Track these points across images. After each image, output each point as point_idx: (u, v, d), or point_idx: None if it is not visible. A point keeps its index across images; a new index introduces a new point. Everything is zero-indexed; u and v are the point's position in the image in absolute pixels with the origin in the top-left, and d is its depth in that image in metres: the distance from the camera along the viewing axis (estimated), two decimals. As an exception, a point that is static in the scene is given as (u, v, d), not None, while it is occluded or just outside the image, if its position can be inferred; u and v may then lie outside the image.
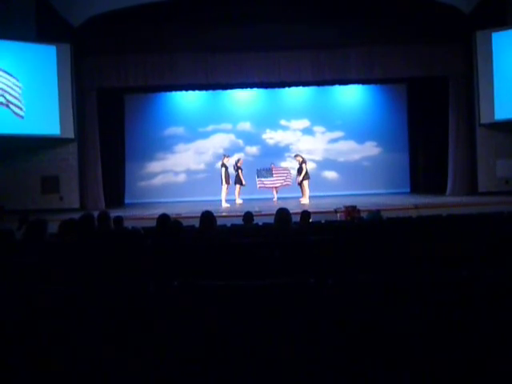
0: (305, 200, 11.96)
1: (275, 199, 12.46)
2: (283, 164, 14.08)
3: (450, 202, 11.21)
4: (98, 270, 2.45)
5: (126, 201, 14.04)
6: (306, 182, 12.20)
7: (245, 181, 12.35)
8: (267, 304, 1.60)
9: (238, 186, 12.33)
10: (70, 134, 12.25)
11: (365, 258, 2.48)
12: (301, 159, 12.33)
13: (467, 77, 12.73)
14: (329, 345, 1.40)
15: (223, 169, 12.11)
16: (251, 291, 1.63)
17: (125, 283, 1.90)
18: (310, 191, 12.25)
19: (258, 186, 12.82)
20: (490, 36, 12.30)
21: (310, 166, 12.87)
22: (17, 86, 11.60)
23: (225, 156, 12.46)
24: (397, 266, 2.32)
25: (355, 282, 1.60)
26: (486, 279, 1.84)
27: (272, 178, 12.75)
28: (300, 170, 12.25)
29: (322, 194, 13.25)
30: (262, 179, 12.77)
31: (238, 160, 12.61)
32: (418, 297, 1.66)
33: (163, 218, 4.53)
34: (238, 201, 12.22)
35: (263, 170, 12.87)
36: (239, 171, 12.35)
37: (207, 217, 4.42)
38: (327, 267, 2.19)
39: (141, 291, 1.69)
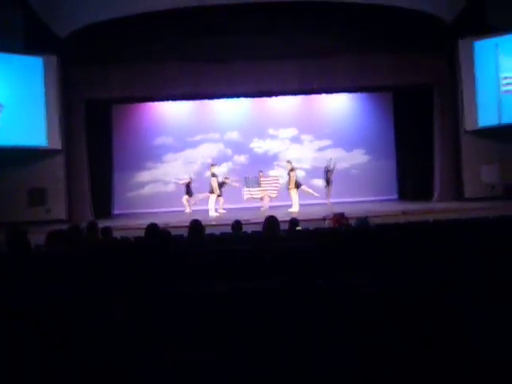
0: (293, 208, 11.99)
1: (263, 208, 12.30)
2: (272, 172, 14.11)
3: (437, 207, 11.34)
4: (87, 278, 2.45)
5: (115, 211, 13.97)
6: (293, 191, 12.24)
7: (225, 191, 12.26)
8: (258, 305, 1.62)
9: (212, 195, 12.07)
10: (58, 146, 12.19)
11: (352, 262, 2.52)
12: (290, 167, 12.39)
13: (451, 84, 12.95)
14: (318, 342, 1.42)
15: (213, 178, 12.11)
16: (242, 294, 1.65)
17: (116, 290, 1.91)
18: (299, 199, 12.29)
19: (245, 196, 12.61)
20: (472, 44, 12.56)
21: (299, 174, 12.94)
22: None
23: (212, 165, 12.47)
24: (383, 268, 2.36)
25: (344, 283, 1.63)
26: (469, 281, 1.88)
27: (259, 188, 12.55)
28: (289, 178, 12.31)
29: (310, 202, 13.29)
30: (250, 189, 12.56)
31: (212, 166, 12.46)
32: (403, 297, 1.70)
33: (152, 228, 4.53)
34: (213, 213, 11.83)
35: (251, 179, 12.66)
36: (214, 179, 12.15)
37: (196, 226, 4.44)
38: (315, 271, 2.22)
39: (134, 297, 1.70)
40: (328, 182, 13.00)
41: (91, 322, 1.78)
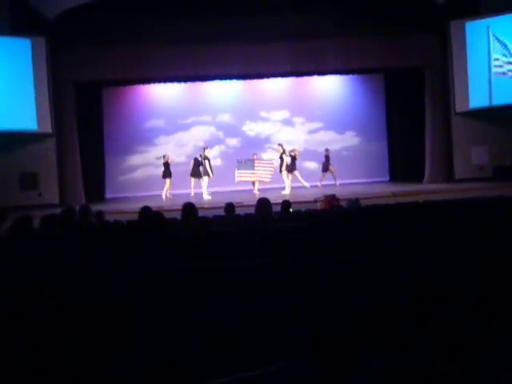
0: (286, 191, 12.06)
1: (255, 191, 12.25)
2: (264, 155, 14.12)
3: (427, 189, 11.47)
4: (84, 261, 2.50)
5: (107, 195, 13.95)
6: (285, 174, 12.30)
7: (214, 173, 12.08)
8: (250, 283, 1.68)
9: (205, 178, 12.01)
10: (48, 129, 12.10)
11: (341, 242, 2.59)
12: (281, 150, 12.44)
13: (442, 66, 12.96)
14: (305, 319, 1.49)
15: (206, 161, 12.10)
16: (234, 272, 1.71)
17: (113, 270, 1.96)
18: (291, 182, 12.36)
19: (236, 179, 12.44)
20: (464, 25, 12.55)
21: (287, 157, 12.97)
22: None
23: (205, 148, 12.44)
24: (371, 246, 2.43)
25: (330, 260, 1.69)
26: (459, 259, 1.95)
27: (252, 171, 12.36)
28: (281, 161, 12.36)
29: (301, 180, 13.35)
30: (242, 171, 12.37)
31: (205, 149, 12.28)
32: (393, 274, 1.77)
33: (145, 211, 4.57)
34: (206, 196, 11.75)
35: (244, 161, 12.48)
36: (207, 162, 12.03)
37: (189, 208, 4.48)
38: (305, 250, 2.29)
39: (131, 277, 1.76)
40: (327, 168, 13.47)
41: (91, 301, 1.83)
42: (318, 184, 13.22)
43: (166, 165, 12.67)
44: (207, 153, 12.27)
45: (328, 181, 13.64)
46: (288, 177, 12.36)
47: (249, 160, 12.52)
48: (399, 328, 1.65)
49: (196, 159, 12.56)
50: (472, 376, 0.84)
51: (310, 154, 14.70)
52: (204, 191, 11.94)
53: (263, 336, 1.42)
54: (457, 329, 1.65)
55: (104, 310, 1.91)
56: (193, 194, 12.36)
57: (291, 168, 12.42)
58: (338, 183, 13.34)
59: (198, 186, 12.37)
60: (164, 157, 12.78)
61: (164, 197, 12.35)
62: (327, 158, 13.57)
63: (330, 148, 13.85)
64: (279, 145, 12.69)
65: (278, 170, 12.41)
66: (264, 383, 0.78)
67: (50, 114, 12.05)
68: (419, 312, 1.75)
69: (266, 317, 1.48)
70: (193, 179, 12.50)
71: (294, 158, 12.50)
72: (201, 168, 12.32)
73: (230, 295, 1.65)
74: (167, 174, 12.62)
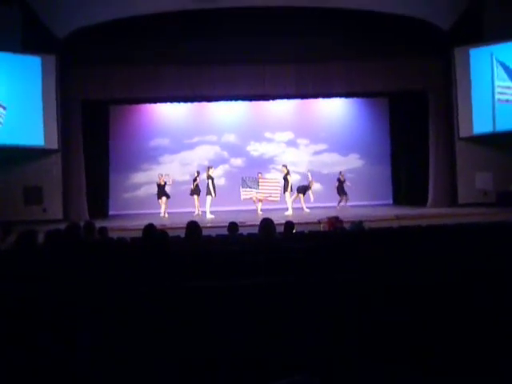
0: (288, 212, 12.05)
1: (259, 211, 12.16)
2: (268, 176, 14.16)
3: (430, 213, 11.45)
4: (89, 276, 2.51)
5: (110, 212, 13.98)
6: (288, 195, 12.29)
7: (216, 193, 12.04)
8: (253, 301, 1.69)
9: (208, 197, 11.97)
10: (54, 145, 12.21)
11: (344, 262, 2.59)
12: (285, 171, 12.47)
13: (446, 91, 13.08)
14: (309, 335, 1.50)
15: (209, 180, 12.12)
16: (238, 290, 1.72)
17: (117, 286, 1.97)
18: (294, 203, 12.37)
19: (242, 196, 12.40)
20: (468, 52, 12.70)
21: (294, 178, 13.03)
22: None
23: (209, 167, 12.48)
24: (373, 268, 2.44)
25: (333, 280, 1.70)
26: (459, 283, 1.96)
27: (257, 190, 12.28)
28: (285, 182, 12.38)
29: (306, 205, 13.37)
30: (247, 189, 12.31)
31: (209, 168, 12.29)
32: (393, 295, 1.78)
33: (149, 228, 4.58)
34: (209, 215, 11.76)
35: (249, 179, 12.40)
36: (210, 181, 12.03)
37: (193, 227, 4.50)
38: (309, 270, 2.30)
39: (133, 293, 1.77)
40: (342, 191, 13.42)
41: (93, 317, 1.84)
42: (337, 207, 13.16)
43: (160, 186, 12.44)
44: (211, 172, 12.29)
45: (330, 202, 13.62)
46: (291, 197, 12.36)
47: (254, 178, 12.45)
48: (398, 343, 1.66)
49: (195, 179, 12.56)
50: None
51: (313, 176, 14.73)
52: (207, 210, 11.95)
53: (267, 352, 1.42)
54: (455, 347, 1.65)
55: (106, 326, 1.92)
56: (198, 213, 12.32)
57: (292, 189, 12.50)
58: (339, 207, 13.21)
59: (203, 204, 12.31)
60: (160, 177, 12.56)
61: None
62: (340, 181, 13.45)
63: (343, 172, 13.80)
64: (284, 166, 12.71)
65: (282, 191, 12.40)
66: None
67: (56, 130, 12.18)
68: (419, 329, 1.75)
69: (269, 333, 1.49)
70: (195, 197, 12.47)
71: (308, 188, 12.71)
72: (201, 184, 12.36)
73: (234, 313, 1.66)
74: (160, 194, 12.43)
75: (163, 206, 12.45)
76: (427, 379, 0.84)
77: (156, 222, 6.91)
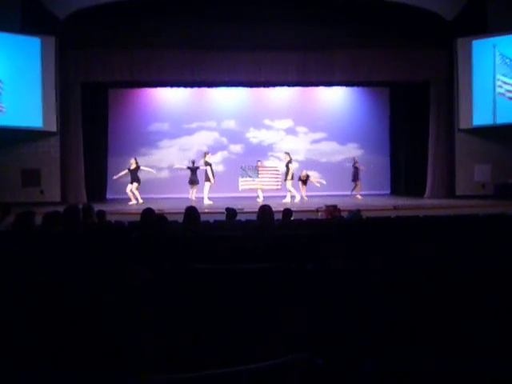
0: (296, 199, 12.04)
1: (260, 199, 11.82)
2: (267, 163, 14.12)
3: (428, 204, 11.49)
4: (87, 258, 2.52)
5: (108, 196, 13.96)
6: (289, 183, 12.25)
7: (215, 179, 11.90)
8: (253, 286, 1.71)
9: (207, 183, 11.83)
10: (53, 127, 12.16)
11: (341, 251, 2.61)
12: (288, 158, 12.39)
13: (447, 82, 13.04)
14: (306, 323, 1.51)
15: (208, 167, 12.07)
16: (237, 274, 1.73)
17: (118, 268, 1.98)
18: (294, 191, 12.34)
19: (240, 187, 12.07)
20: (471, 43, 12.64)
21: (293, 166, 13.01)
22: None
23: (206, 153, 12.32)
24: (370, 255, 2.46)
25: (333, 267, 1.71)
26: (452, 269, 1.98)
27: (257, 179, 11.95)
28: (286, 169, 12.30)
29: (307, 194, 13.38)
30: (246, 179, 11.99)
31: (206, 154, 12.00)
32: (389, 283, 1.79)
33: (148, 212, 4.59)
34: (207, 201, 11.61)
35: (249, 168, 12.07)
36: (208, 167, 11.86)
37: (191, 212, 4.51)
38: (306, 257, 2.31)
39: (134, 275, 1.78)
40: (356, 177, 13.16)
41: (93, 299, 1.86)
42: (358, 197, 12.84)
43: (133, 170, 11.93)
44: (208, 158, 12.17)
45: (328, 191, 13.58)
46: (292, 185, 12.33)
47: (253, 167, 12.16)
48: (393, 329, 1.68)
49: (189, 167, 12.47)
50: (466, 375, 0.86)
51: (311, 164, 14.75)
52: (205, 196, 11.93)
53: (265, 335, 1.44)
54: (451, 330, 1.67)
55: (104, 308, 1.93)
56: (193, 198, 12.31)
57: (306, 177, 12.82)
58: (360, 197, 12.75)
59: (200, 191, 12.24)
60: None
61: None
62: (355, 168, 13.18)
63: (356, 158, 13.49)
64: (286, 153, 12.58)
65: (284, 178, 12.23)
66: (281, 373, 0.80)
67: (55, 112, 12.12)
68: (414, 316, 1.77)
69: (267, 315, 1.51)
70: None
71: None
72: (198, 173, 12.32)
73: (235, 295, 1.67)
74: (133, 178, 11.91)
75: (136, 192, 11.98)
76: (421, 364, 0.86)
77: (153, 207, 6.91)
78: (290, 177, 12.22)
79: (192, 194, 12.49)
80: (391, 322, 1.57)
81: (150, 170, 12.64)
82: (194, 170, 12.41)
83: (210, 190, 12.12)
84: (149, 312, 1.80)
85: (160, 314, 1.70)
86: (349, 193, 13.51)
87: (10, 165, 12.03)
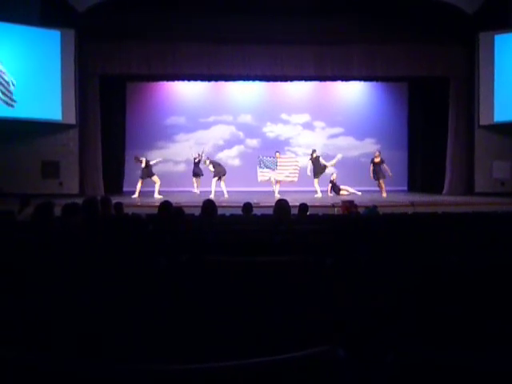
0: (318, 195, 11.85)
1: (276, 194, 11.55)
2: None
3: (446, 200, 11.34)
4: (106, 249, 2.55)
5: (125, 188, 14.09)
6: (315, 180, 12.14)
7: (227, 173, 11.94)
8: (271, 278, 1.71)
9: (214, 179, 11.74)
10: (72, 120, 12.29)
11: (359, 245, 2.60)
12: (315, 155, 12.26)
13: (468, 78, 12.82)
14: (324, 318, 1.51)
15: (210, 165, 11.90)
16: (254, 266, 1.74)
17: (136, 259, 2.00)
18: (318, 187, 12.21)
19: (259, 178, 12.00)
20: (493, 38, 12.38)
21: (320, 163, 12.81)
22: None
23: (206, 158, 12.20)
24: (388, 250, 2.44)
25: (354, 262, 1.71)
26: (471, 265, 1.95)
27: (275, 170, 11.80)
28: (314, 167, 12.17)
29: (320, 188, 13.31)
30: (264, 170, 11.86)
31: (206, 161, 11.94)
32: (405, 278, 1.78)
33: (165, 205, 4.62)
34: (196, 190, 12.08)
35: (267, 158, 11.94)
36: (210, 166, 11.79)
37: (209, 205, 4.53)
38: (325, 251, 2.31)
39: (151, 266, 1.80)
40: (377, 174, 12.33)
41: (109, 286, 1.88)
42: (383, 195, 12.25)
43: (146, 165, 12.05)
44: (205, 159, 12.12)
45: (346, 186, 13.47)
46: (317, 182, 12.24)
47: (271, 158, 12.02)
48: (408, 323, 1.67)
49: (194, 159, 12.52)
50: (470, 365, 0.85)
51: (328, 159, 14.63)
52: (212, 191, 11.66)
53: (281, 327, 1.44)
54: (469, 327, 1.65)
55: (121, 299, 1.95)
56: (197, 192, 12.28)
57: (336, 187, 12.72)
58: (384, 195, 12.11)
59: (219, 184, 12.17)
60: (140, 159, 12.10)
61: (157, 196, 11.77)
62: (374, 163, 12.42)
63: (376, 153, 12.58)
64: (313, 150, 12.39)
65: (312, 174, 12.08)
66: (302, 365, 0.80)
67: (74, 105, 12.25)
68: (429, 312, 1.76)
69: (284, 307, 1.51)
70: (195, 179, 12.43)
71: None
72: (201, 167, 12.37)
73: (252, 288, 1.68)
74: (144, 174, 12.09)
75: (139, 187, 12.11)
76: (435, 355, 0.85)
77: (170, 200, 6.95)
78: (316, 173, 12.08)
79: (197, 188, 12.46)
80: (407, 318, 1.56)
81: (157, 160, 12.63)
82: (197, 162, 12.42)
83: (228, 183, 12.03)
84: (164, 302, 1.82)
85: (176, 305, 1.72)
86: (366, 188, 13.35)
87: (30, 156, 12.21)
